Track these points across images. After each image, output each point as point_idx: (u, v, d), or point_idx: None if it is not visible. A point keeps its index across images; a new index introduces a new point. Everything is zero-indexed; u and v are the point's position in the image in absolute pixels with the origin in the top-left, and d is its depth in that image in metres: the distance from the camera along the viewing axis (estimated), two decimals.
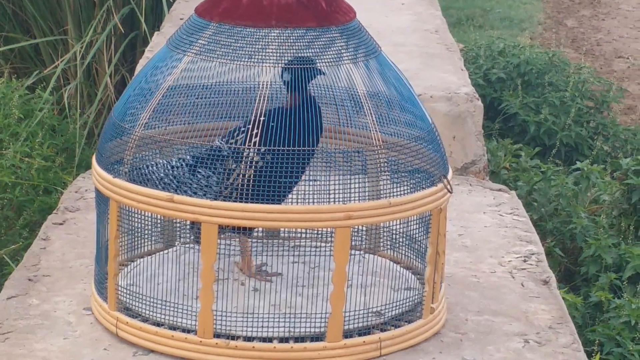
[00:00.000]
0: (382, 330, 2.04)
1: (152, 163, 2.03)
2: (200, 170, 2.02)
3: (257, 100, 1.98)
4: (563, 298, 2.64)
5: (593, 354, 2.80)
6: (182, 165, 2.03)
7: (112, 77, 4.23)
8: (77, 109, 4.01)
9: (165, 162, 2.03)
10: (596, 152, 4.19)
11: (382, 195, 2.03)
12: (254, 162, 1.97)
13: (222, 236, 2.03)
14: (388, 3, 4.14)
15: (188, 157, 2.03)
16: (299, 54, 1.99)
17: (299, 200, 1.99)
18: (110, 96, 4.19)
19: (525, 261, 2.45)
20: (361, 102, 2.02)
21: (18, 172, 3.38)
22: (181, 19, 3.80)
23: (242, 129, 1.99)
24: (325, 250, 2.10)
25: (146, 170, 2.03)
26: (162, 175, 2.03)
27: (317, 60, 2.00)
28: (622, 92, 4.82)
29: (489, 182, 2.99)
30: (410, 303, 2.10)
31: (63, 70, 4.30)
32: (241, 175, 1.98)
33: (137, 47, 4.46)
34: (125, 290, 2.08)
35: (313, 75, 2.00)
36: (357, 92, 2.02)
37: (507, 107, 4.36)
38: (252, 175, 1.96)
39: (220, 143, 2.01)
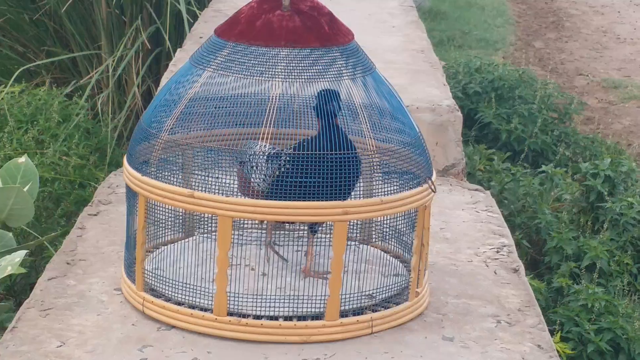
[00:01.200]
0: (373, 310, 2.04)
1: (257, 142, 2.02)
2: (272, 161, 2.02)
3: (267, 111, 1.98)
4: (530, 284, 2.64)
5: (555, 333, 2.80)
6: (264, 153, 2.03)
7: (139, 87, 4.22)
8: (108, 115, 4.01)
9: (264, 144, 2.02)
10: (559, 157, 4.19)
11: (374, 194, 2.03)
12: (281, 166, 1.98)
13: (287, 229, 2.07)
14: (381, 26, 4.13)
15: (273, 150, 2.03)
16: (306, 72, 1.99)
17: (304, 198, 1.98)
18: (137, 104, 4.19)
19: (498, 252, 2.45)
20: (357, 113, 2.02)
21: (57, 169, 3.39)
22: (201, 37, 3.79)
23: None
24: (325, 241, 2.11)
25: (251, 144, 2.02)
26: (254, 151, 2.03)
27: (322, 78, 2.00)
28: (582, 105, 4.83)
29: (467, 183, 2.99)
30: (398, 287, 2.10)
31: (97, 81, 4.29)
32: (273, 175, 1.98)
33: (162, 61, 4.46)
34: (150, 274, 2.08)
35: (339, 107, 2.00)
36: (355, 104, 2.02)
37: (482, 117, 4.36)
38: (281, 175, 1.96)
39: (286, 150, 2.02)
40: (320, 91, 2.00)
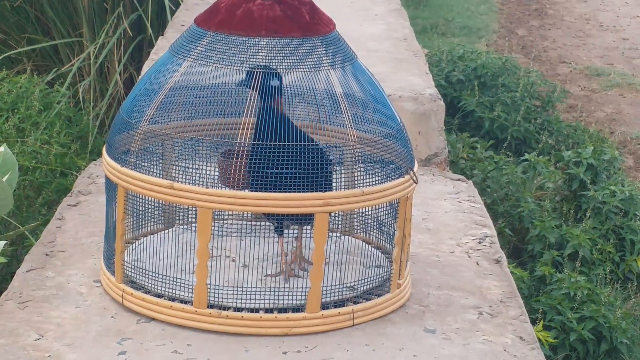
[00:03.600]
0: (355, 302, 2.02)
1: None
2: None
3: (248, 100, 1.95)
4: (512, 272, 2.62)
5: (537, 322, 2.79)
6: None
7: (121, 74, 4.19)
8: (90, 103, 3.97)
9: None
10: (542, 145, 4.17)
11: (356, 185, 2.01)
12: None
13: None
14: (363, 14, 4.11)
15: None
16: (285, 61, 1.96)
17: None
18: (119, 91, 4.15)
19: (480, 243, 2.43)
20: (338, 103, 1.99)
21: (38, 157, 3.35)
22: (182, 25, 3.76)
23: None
24: (306, 232, 2.08)
25: None
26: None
27: (300, 66, 1.97)
28: (565, 93, 4.81)
29: (450, 173, 2.96)
30: (380, 279, 2.08)
31: (78, 68, 4.25)
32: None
33: (144, 49, 4.42)
34: (130, 265, 2.05)
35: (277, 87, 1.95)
36: (335, 93, 2.00)
37: (466, 105, 4.34)
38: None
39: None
40: (250, 69, 1.94)
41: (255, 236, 2.15)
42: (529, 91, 4.47)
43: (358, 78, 2.04)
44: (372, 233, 2.22)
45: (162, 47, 3.45)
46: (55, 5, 4.42)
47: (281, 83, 1.96)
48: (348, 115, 1.99)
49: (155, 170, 2.00)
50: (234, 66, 1.96)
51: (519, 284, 2.94)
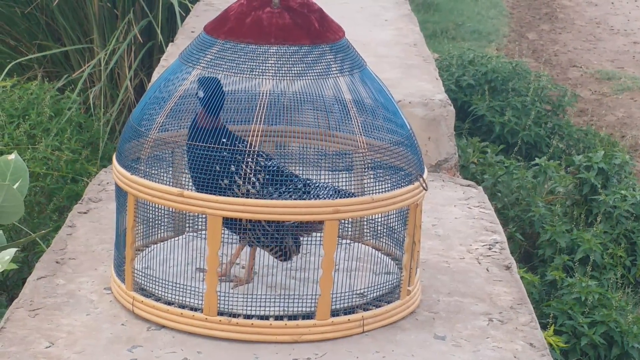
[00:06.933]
0: (364, 309, 2.02)
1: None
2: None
3: (257, 107, 1.95)
4: (522, 277, 2.62)
5: (548, 326, 2.79)
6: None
7: (131, 80, 4.20)
8: (101, 109, 3.98)
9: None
10: (552, 149, 4.17)
11: (366, 192, 2.01)
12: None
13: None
14: (373, 20, 4.10)
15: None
16: (294, 68, 1.96)
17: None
18: (130, 97, 4.16)
19: (490, 249, 2.43)
20: (348, 109, 1.99)
21: (49, 163, 3.36)
22: (192, 32, 3.76)
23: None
24: (316, 239, 2.08)
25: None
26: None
27: (308, 72, 1.97)
28: (576, 97, 4.80)
29: (460, 179, 2.96)
30: (390, 286, 2.08)
31: (89, 75, 4.26)
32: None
33: (154, 55, 4.43)
34: (140, 273, 2.06)
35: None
36: (344, 100, 2.00)
37: (476, 109, 4.34)
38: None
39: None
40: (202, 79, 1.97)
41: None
42: (540, 95, 4.47)
43: (367, 85, 2.04)
44: (381, 240, 2.22)
45: (172, 53, 3.46)
46: (66, 12, 4.43)
47: (207, 99, 1.97)
48: (357, 122, 1.99)
49: (165, 178, 2.01)
50: (243, 74, 1.96)
51: (530, 289, 2.93)
